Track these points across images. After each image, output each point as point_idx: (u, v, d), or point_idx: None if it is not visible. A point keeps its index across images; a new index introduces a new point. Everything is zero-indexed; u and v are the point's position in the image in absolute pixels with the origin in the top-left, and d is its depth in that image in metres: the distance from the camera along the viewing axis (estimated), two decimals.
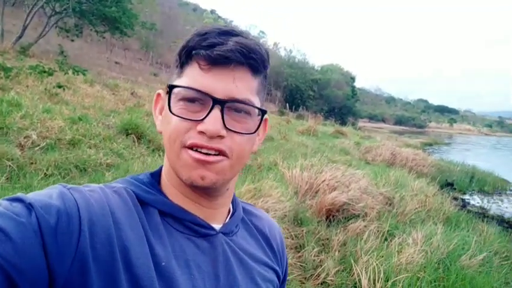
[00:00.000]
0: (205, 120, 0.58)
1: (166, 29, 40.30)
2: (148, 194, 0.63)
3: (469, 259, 4.35)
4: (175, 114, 0.59)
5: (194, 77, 0.59)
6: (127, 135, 6.21)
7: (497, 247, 5.31)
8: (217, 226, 0.67)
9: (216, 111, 0.58)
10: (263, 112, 0.64)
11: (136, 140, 6.08)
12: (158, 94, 0.70)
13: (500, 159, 25.36)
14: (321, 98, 44.43)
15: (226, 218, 0.71)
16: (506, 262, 4.93)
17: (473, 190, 12.08)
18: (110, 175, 4.15)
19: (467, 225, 6.15)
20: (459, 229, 5.63)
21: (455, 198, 9.65)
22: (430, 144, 36.20)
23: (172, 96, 0.60)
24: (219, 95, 0.58)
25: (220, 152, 0.59)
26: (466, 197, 10.99)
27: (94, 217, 0.54)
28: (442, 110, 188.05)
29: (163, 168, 0.69)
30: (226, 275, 0.64)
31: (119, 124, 6.52)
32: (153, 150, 6.08)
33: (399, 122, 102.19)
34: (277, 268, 0.76)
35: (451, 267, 4.01)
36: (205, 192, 0.64)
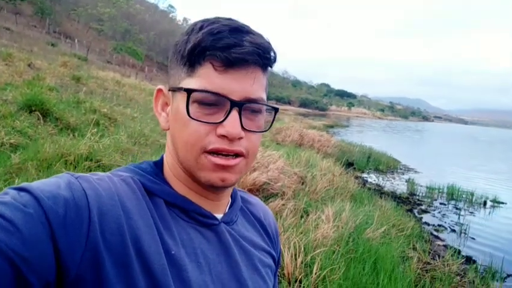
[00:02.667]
0: (224, 123, 0.58)
1: None
2: (154, 184, 0.63)
3: (372, 232, 4.85)
4: (193, 118, 0.59)
5: (209, 78, 0.58)
6: (30, 112, 5.65)
7: (394, 220, 5.98)
8: (219, 216, 0.69)
9: (235, 113, 0.58)
10: (276, 109, 0.67)
11: (41, 117, 5.56)
12: (160, 90, 0.68)
13: (386, 141, 28.19)
14: None
15: (226, 207, 0.72)
16: (401, 233, 5.59)
17: (370, 169, 13.30)
18: (17, 157, 3.76)
19: (369, 202, 6.81)
20: (362, 205, 6.22)
21: (356, 177, 10.54)
22: (331, 126, 38.84)
23: (189, 99, 0.59)
24: (236, 96, 0.58)
25: (240, 154, 0.61)
26: (365, 175, 12.08)
27: (103, 207, 0.53)
28: (342, 94, 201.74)
29: (165, 160, 0.69)
30: (229, 262, 0.66)
31: (20, 99, 5.90)
32: (61, 130, 5.63)
33: (303, 104, 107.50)
34: (273, 252, 0.79)
35: (359, 240, 4.44)
36: (219, 189, 0.65)
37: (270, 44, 0.62)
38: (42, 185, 0.51)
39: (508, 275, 5.32)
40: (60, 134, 5.32)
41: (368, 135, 34.69)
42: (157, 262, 0.55)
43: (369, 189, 9.10)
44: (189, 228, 0.63)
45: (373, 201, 7.05)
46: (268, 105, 0.64)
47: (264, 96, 0.63)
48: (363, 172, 12.48)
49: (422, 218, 7.94)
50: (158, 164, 0.69)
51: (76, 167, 4.02)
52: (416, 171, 14.23)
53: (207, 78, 0.58)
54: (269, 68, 0.65)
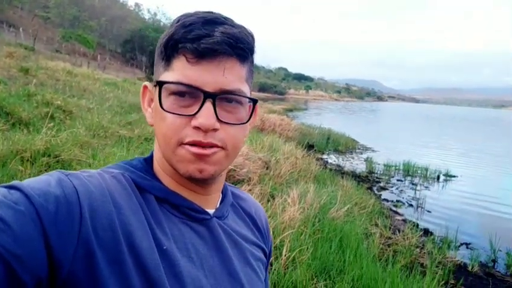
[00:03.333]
0: (198, 115, 0.58)
1: None
2: (144, 180, 0.64)
3: (336, 212, 5.02)
4: (167, 111, 0.59)
5: (182, 70, 0.58)
6: None
7: (355, 199, 6.21)
8: (211, 211, 0.69)
9: (208, 105, 0.58)
10: (254, 101, 0.66)
11: None
12: (145, 86, 0.69)
13: (343, 122, 29.03)
14: None
15: (217, 202, 0.73)
16: (363, 211, 5.82)
17: (330, 150, 13.64)
18: None
19: (331, 182, 7.01)
20: (325, 186, 6.39)
21: (318, 159, 10.78)
22: (291, 110, 39.33)
23: (162, 91, 0.60)
24: (209, 88, 0.58)
25: (215, 146, 0.60)
26: (325, 156, 12.38)
27: (94, 203, 0.54)
28: (300, 78, 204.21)
29: (154, 156, 0.69)
30: (222, 257, 0.67)
31: None
32: (14, 125, 5.35)
33: (263, 89, 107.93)
34: (264, 247, 0.80)
35: (324, 220, 4.58)
36: (202, 182, 0.66)
37: (246, 34, 0.61)
38: (32, 182, 0.52)
39: (461, 244, 5.69)
40: (13, 129, 5.06)
41: (326, 117, 35.47)
42: (150, 257, 0.55)
43: (331, 170, 9.35)
44: (180, 224, 0.64)
45: (335, 182, 7.27)
46: (244, 96, 0.62)
47: (243, 87, 0.62)
48: (323, 153, 12.79)
49: (381, 195, 8.29)
50: (148, 160, 0.70)
51: (33, 163, 3.85)
52: (373, 150, 14.74)
53: (180, 70, 0.58)
54: (250, 58, 0.65)
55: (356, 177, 9.44)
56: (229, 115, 0.61)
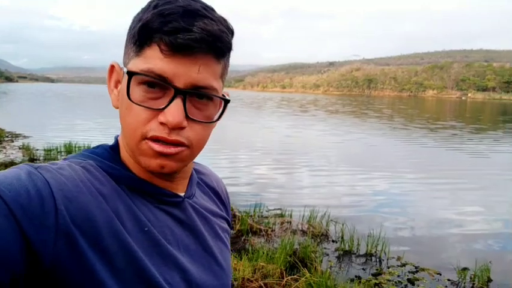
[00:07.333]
0: (166, 111, 0.56)
1: None
2: (114, 170, 0.63)
3: None
4: (135, 103, 0.57)
5: (155, 61, 0.56)
6: None
7: None
8: (181, 193, 0.71)
9: (178, 101, 0.57)
10: (226, 101, 0.64)
11: None
12: (112, 66, 0.65)
13: None
14: None
15: (186, 183, 0.74)
16: None
17: None
18: None
19: None
20: None
21: None
22: None
23: (132, 80, 0.58)
24: (181, 83, 0.56)
25: (181, 144, 0.59)
26: None
27: (68, 194, 0.52)
28: None
29: (121, 143, 0.67)
30: (195, 234, 0.70)
31: None
32: None
33: None
34: (227, 217, 0.84)
35: None
36: (166, 175, 0.67)
37: (225, 31, 0.59)
38: (1, 177, 0.49)
39: None
40: None
41: None
42: (134, 238, 0.57)
43: None
44: (154, 209, 0.65)
45: None
46: (215, 96, 0.61)
47: (216, 84, 0.60)
48: None
49: None
50: (115, 148, 0.67)
51: None
52: (25, 136, 13.51)
53: (152, 60, 0.56)
54: (227, 55, 0.63)
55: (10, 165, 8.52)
56: (198, 112, 0.60)
